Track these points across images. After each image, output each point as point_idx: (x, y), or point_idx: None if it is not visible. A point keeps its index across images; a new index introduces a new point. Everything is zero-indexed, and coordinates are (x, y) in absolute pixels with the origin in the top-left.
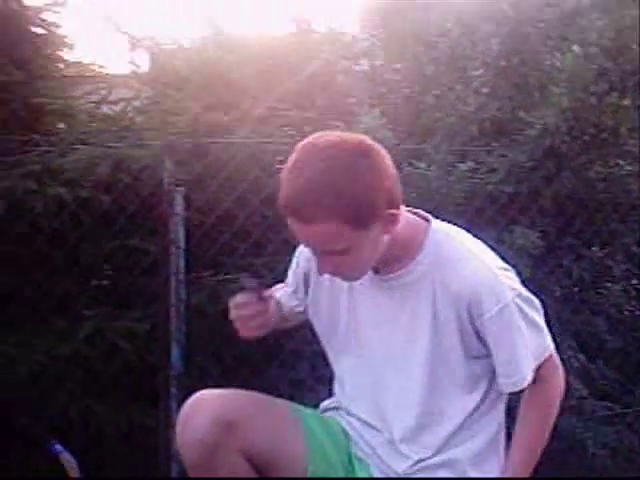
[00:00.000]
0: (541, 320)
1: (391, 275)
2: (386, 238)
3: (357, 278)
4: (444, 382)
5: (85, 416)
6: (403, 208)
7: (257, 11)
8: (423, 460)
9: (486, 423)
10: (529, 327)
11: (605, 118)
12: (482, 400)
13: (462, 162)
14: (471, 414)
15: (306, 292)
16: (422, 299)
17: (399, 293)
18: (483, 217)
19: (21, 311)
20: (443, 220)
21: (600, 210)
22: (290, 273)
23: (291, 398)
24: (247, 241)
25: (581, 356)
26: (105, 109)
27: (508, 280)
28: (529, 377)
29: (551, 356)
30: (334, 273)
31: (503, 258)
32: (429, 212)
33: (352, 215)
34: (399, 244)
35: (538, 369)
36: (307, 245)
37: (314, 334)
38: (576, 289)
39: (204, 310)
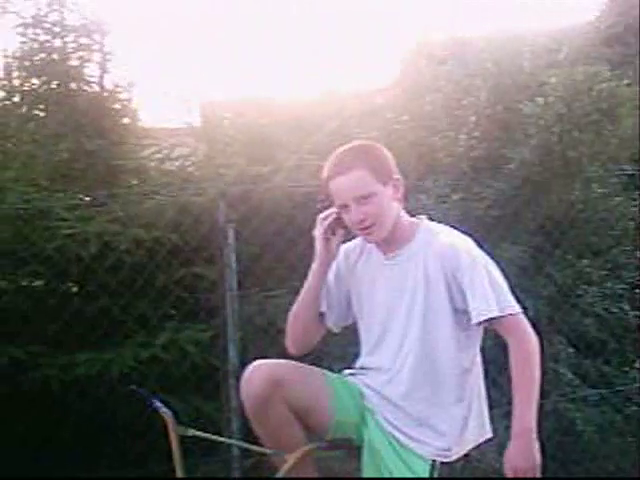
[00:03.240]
0: (503, 282)
1: (396, 253)
2: (395, 207)
3: (377, 235)
4: (435, 326)
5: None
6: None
7: (288, 76)
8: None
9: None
10: (493, 283)
11: (569, 152)
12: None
13: (455, 193)
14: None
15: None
16: (418, 268)
17: (401, 266)
18: (474, 237)
19: (112, 327)
20: None
21: (576, 226)
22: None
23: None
24: (285, 263)
25: (570, 349)
26: (168, 165)
27: (474, 246)
28: (495, 312)
29: (517, 315)
30: (362, 221)
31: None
32: None
33: (375, 166)
34: (401, 230)
35: (508, 326)
36: (343, 199)
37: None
38: (558, 292)
39: (253, 320)
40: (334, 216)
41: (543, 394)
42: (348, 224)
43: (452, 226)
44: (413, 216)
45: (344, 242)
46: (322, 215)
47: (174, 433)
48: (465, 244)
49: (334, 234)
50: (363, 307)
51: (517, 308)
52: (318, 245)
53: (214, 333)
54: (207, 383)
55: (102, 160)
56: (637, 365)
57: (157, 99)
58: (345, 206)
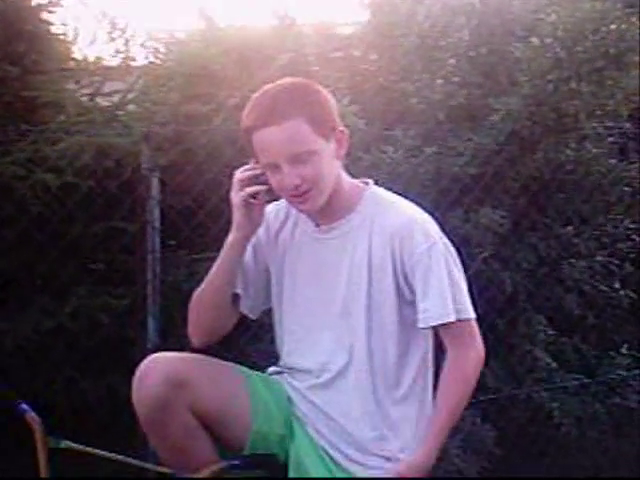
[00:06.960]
0: (461, 278)
1: (332, 225)
2: (337, 168)
3: (313, 204)
4: (380, 322)
5: (68, 386)
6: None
7: (243, 3)
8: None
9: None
10: (451, 277)
11: (564, 104)
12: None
13: (428, 146)
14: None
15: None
16: (359, 246)
17: (338, 242)
18: (449, 198)
19: (8, 289)
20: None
21: (564, 190)
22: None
23: (259, 367)
24: (219, 221)
25: (550, 330)
26: (100, 100)
27: (435, 227)
28: (452, 316)
29: (469, 322)
30: (297, 186)
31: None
32: (397, 194)
33: (317, 115)
34: (341, 197)
35: (457, 333)
36: (273, 157)
37: None
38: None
39: (179, 287)
40: (256, 175)
41: (518, 380)
42: (275, 188)
43: (414, 200)
44: (354, 177)
45: (268, 202)
46: (240, 174)
47: (42, 444)
48: (423, 223)
49: (255, 197)
50: (284, 290)
51: (472, 313)
52: (237, 213)
53: (131, 301)
54: (123, 359)
55: (12, 90)
56: (624, 351)
57: (91, 28)
58: (275, 166)
